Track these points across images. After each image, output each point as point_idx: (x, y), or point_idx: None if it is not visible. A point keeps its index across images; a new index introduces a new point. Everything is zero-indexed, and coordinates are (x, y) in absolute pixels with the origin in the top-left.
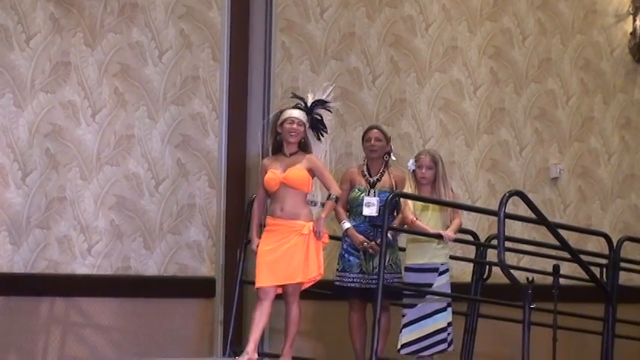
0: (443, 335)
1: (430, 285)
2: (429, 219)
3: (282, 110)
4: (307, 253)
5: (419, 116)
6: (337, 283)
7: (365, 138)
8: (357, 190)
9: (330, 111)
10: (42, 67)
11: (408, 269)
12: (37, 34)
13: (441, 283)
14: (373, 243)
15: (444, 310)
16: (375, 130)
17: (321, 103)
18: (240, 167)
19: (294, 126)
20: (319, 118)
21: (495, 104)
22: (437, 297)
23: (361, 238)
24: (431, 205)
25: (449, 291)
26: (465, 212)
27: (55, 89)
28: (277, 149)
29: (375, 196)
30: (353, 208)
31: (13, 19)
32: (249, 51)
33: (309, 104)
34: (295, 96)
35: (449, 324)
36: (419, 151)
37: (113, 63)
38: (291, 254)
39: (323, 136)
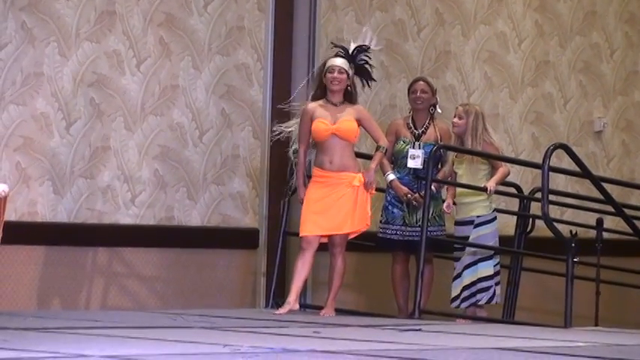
0: (484, 284)
1: (467, 238)
2: (462, 172)
3: (326, 59)
4: (355, 205)
5: (463, 69)
6: (380, 235)
7: (411, 90)
8: (401, 143)
9: (369, 57)
10: (87, 16)
11: (455, 223)
12: None
13: (476, 235)
14: (417, 195)
15: (484, 260)
16: (422, 82)
17: (363, 49)
18: (285, 118)
19: (335, 74)
20: (363, 63)
21: (540, 57)
22: (473, 249)
23: (405, 189)
24: (465, 157)
25: (491, 242)
26: (508, 165)
27: (99, 39)
28: (320, 96)
29: (419, 148)
30: (397, 160)
31: None
32: (294, 1)
33: (350, 51)
34: (335, 45)
35: (491, 275)
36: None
37: (158, 12)
38: (339, 205)
39: (369, 84)
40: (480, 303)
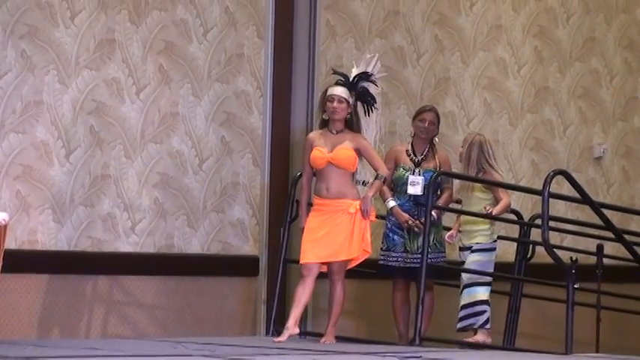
0: (479, 308)
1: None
2: (463, 200)
3: (327, 88)
4: (352, 232)
5: (463, 95)
6: (381, 262)
7: (419, 117)
8: (401, 169)
9: (375, 84)
10: (86, 44)
11: (459, 249)
12: (81, 11)
13: (470, 260)
14: (418, 221)
15: (481, 284)
16: (433, 114)
17: (365, 76)
18: (285, 145)
19: (335, 104)
20: (364, 90)
21: (539, 83)
22: (468, 275)
23: (406, 216)
24: (463, 186)
25: (488, 269)
26: (508, 192)
27: (99, 66)
28: (324, 125)
29: (419, 175)
30: (397, 187)
31: None
32: (293, 29)
33: (351, 78)
34: (335, 72)
35: (487, 301)
36: None
37: (158, 40)
38: (336, 232)
39: (372, 110)
40: (475, 326)
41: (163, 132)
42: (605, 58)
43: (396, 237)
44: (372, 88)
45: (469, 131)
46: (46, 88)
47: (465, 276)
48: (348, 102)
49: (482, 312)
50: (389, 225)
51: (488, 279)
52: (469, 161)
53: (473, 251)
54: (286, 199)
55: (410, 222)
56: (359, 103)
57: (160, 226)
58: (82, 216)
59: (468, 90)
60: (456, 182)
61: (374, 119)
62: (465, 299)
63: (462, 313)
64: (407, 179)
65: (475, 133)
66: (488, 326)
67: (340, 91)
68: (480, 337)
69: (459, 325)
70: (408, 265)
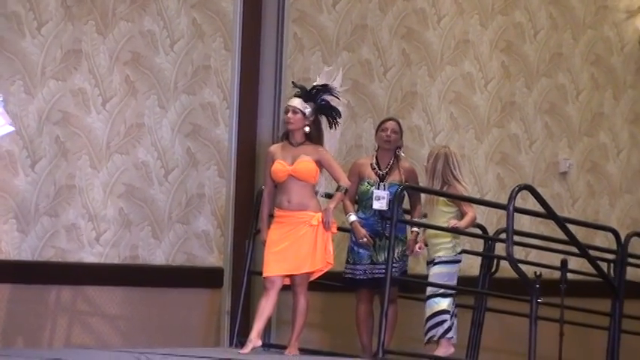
0: (439, 318)
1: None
2: (430, 212)
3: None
4: (315, 244)
5: (429, 109)
6: (348, 276)
7: (381, 128)
8: (366, 184)
9: (337, 98)
10: (53, 54)
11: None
12: (48, 21)
13: (432, 273)
14: (369, 240)
15: (435, 296)
16: (393, 122)
17: (326, 89)
18: (250, 158)
19: (289, 115)
20: (326, 104)
21: (506, 98)
22: (430, 288)
23: (363, 232)
24: (428, 199)
25: (451, 282)
26: (474, 206)
27: (65, 77)
28: (285, 137)
29: (384, 189)
30: (363, 202)
31: (25, 6)
32: (260, 41)
33: (309, 90)
34: (295, 85)
35: (447, 311)
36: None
37: (124, 51)
38: (299, 245)
39: (335, 123)
40: (435, 338)
41: (129, 143)
42: (571, 74)
43: (361, 250)
44: (335, 102)
45: (434, 145)
46: (11, 99)
47: (428, 289)
48: (303, 113)
49: (443, 322)
50: (354, 239)
51: (451, 291)
52: (434, 173)
53: (435, 264)
54: (251, 211)
55: (365, 239)
56: (323, 117)
57: (124, 237)
58: (46, 226)
59: (434, 104)
60: (422, 195)
61: (338, 132)
62: (427, 311)
63: (426, 326)
64: (372, 194)
65: (440, 146)
66: (449, 335)
67: (296, 102)
68: (441, 349)
69: (425, 339)
70: (375, 276)
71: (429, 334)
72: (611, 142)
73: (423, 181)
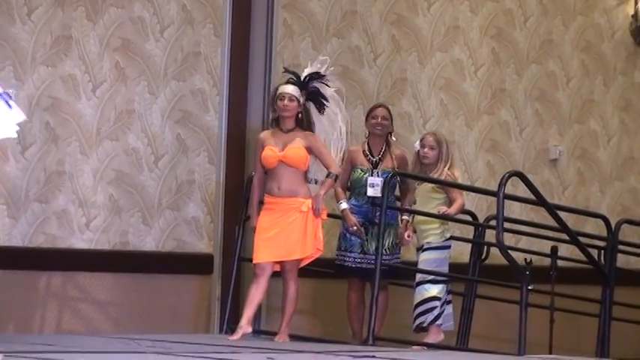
0: (430, 305)
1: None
2: (418, 199)
3: (278, 86)
4: (305, 231)
5: (419, 96)
6: (338, 262)
7: (371, 115)
8: (359, 171)
9: (327, 85)
10: (43, 40)
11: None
12: (38, 7)
13: (422, 259)
14: (361, 229)
15: (433, 282)
16: (383, 109)
17: (316, 76)
18: (240, 144)
19: (285, 102)
20: (315, 90)
21: (496, 85)
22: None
23: (353, 220)
24: (421, 185)
25: (441, 268)
26: (464, 192)
27: (55, 63)
28: (275, 124)
29: (378, 176)
30: (356, 189)
31: None
32: (250, 27)
33: (302, 77)
34: (287, 70)
35: (438, 297)
36: (426, 132)
37: (114, 37)
38: (289, 231)
39: (324, 109)
40: (425, 324)
41: (119, 129)
42: (562, 61)
43: (353, 238)
44: (327, 90)
45: (430, 132)
46: (1, 84)
47: (418, 275)
48: (298, 100)
49: (433, 308)
50: (345, 225)
51: (441, 277)
52: (446, 162)
53: (424, 250)
54: (241, 198)
55: (355, 228)
56: (311, 104)
57: (114, 223)
58: (36, 212)
59: (424, 91)
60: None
61: (339, 121)
62: (416, 298)
63: (415, 312)
64: (365, 181)
65: (440, 133)
66: (439, 322)
67: (291, 89)
68: (431, 335)
69: (414, 325)
70: (364, 266)
71: (418, 321)
72: (602, 129)
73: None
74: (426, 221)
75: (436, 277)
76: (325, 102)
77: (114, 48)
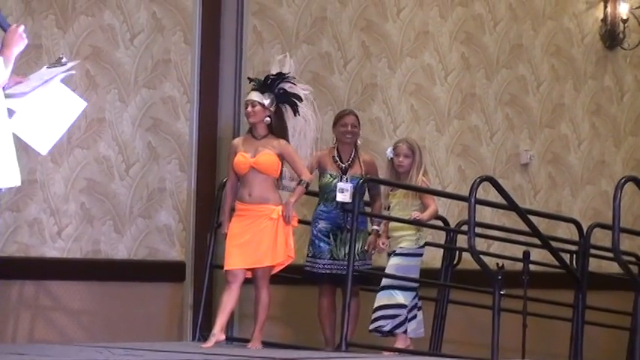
0: (392, 312)
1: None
2: (394, 205)
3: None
4: (276, 238)
5: (390, 101)
6: (307, 268)
7: (340, 122)
8: (328, 176)
9: (293, 83)
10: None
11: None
12: (8, 16)
13: (392, 263)
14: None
15: (402, 289)
16: (352, 117)
17: (281, 77)
18: (211, 151)
19: (249, 108)
20: (283, 92)
21: (466, 90)
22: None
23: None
24: (400, 191)
25: (410, 275)
26: (435, 198)
27: (25, 72)
28: (250, 131)
29: (347, 182)
30: (325, 194)
31: None
32: (220, 34)
33: (263, 80)
34: (250, 79)
35: (404, 305)
36: (398, 139)
37: (84, 46)
38: (259, 238)
39: (296, 110)
40: (385, 329)
41: (90, 137)
42: (532, 65)
43: (322, 244)
44: (298, 89)
45: (402, 139)
46: None
47: (384, 280)
48: (262, 105)
49: (396, 316)
50: (314, 232)
51: (409, 284)
52: (419, 169)
53: (395, 255)
54: (213, 205)
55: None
56: (287, 107)
57: (86, 232)
58: (8, 221)
59: (394, 96)
60: (385, 188)
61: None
62: (381, 300)
63: (376, 314)
64: (335, 186)
65: (413, 140)
66: (402, 330)
67: (254, 95)
68: (399, 342)
69: (371, 327)
70: (334, 272)
71: (378, 324)
72: (572, 133)
73: (382, 174)
74: (403, 227)
75: (402, 284)
76: (297, 100)
77: (84, 56)
